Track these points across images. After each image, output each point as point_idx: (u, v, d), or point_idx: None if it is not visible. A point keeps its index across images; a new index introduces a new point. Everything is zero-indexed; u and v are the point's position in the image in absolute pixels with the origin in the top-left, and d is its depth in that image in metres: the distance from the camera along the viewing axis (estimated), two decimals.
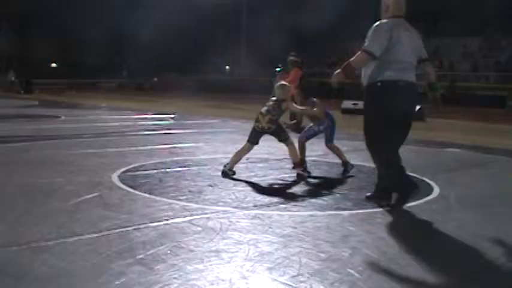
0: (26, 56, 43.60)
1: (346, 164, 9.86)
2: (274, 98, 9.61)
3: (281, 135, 9.45)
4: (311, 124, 10.18)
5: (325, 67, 45.82)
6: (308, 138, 10.23)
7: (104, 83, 51.88)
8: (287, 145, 9.46)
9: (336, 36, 44.00)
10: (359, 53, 7.19)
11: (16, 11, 44.47)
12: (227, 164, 9.33)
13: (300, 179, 9.23)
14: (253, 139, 9.51)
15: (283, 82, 10.16)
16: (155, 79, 53.87)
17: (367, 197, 7.65)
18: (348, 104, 25.93)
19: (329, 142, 9.99)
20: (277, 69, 18.33)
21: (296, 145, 9.67)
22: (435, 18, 40.30)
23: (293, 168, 9.68)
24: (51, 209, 6.59)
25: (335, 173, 9.84)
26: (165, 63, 46.95)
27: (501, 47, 41.05)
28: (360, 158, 10.49)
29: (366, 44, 7.13)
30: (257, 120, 9.46)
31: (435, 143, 14.76)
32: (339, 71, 7.41)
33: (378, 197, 7.52)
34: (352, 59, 7.23)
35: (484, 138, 16.00)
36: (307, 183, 8.86)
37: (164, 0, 43.63)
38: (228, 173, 9.16)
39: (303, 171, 9.46)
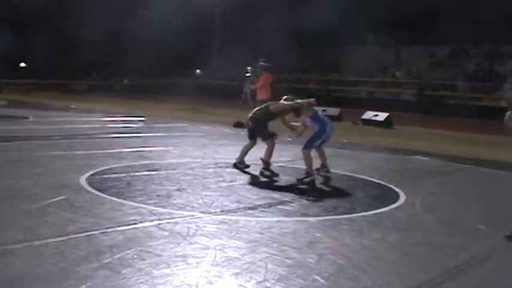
0: None
1: (308, 175, 9.63)
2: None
3: (262, 135, 10.27)
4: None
5: (296, 72, 46.02)
6: (318, 146, 10.19)
7: (74, 84, 51.45)
8: (267, 144, 10.16)
9: (312, 41, 44.22)
10: None
11: None
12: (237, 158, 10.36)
13: (261, 175, 9.86)
14: (248, 134, 10.48)
15: (289, 96, 10.46)
16: (125, 81, 53.59)
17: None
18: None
19: (305, 148, 9.80)
20: (248, 74, 18.43)
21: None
22: (404, 26, 40.72)
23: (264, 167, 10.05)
24: (18, 212, 6.55)
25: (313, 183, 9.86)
26: (137, 65, 46.73)
27: (469, 56, 41.58)
28: (329, 165, 10.55)
29: None
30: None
31: (402, 151, 14.91)
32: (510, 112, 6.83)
33: None
34: None
35: (451, 147, 16.20)
36: (275, 189, 8.89)
37: (139, 3, 43.50)
38: (238, 166, 10.26)
39: (265, 169, 9.95)
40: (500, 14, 33.54)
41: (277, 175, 9.88)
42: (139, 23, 39.49)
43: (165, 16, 37.95)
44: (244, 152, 10.41)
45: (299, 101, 10.11)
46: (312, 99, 10.29)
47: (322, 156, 10.31)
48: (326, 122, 10.16)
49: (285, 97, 10.39)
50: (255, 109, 10.52)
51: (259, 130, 10.23)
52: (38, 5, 43.74)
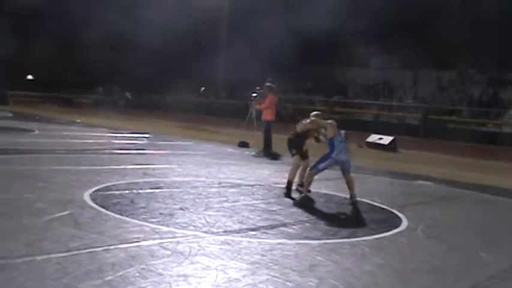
0: (2, 67, 43.33)
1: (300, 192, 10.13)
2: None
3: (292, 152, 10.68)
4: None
5: (301, 93, 46.14)
6: (344, 171, 10.06)
7: (79, 98, 51.60)
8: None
9: (315, 61, 44.41)
10: None
11: None
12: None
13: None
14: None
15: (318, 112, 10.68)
16: (127, 94, 53.61)
17: None
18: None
19: (311, 167, 10.10)
20: (254, 94, 18.48)
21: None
22: (410, 50, 40.90)
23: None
24: (21, 226, 6.57)
25: (306, 201, 9.88)
26: (142, 81, 46.89)
27: (474, 82, 41.68)
28: (332, 187, 10.58)
29: None
30: None
31: (406, 175, 14.92)
32: None
33: None
34: None
35: (454, 172, 16.21)
36: (278, 211, 8.88)
37: (142, 18, 43.73)
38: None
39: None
40: (505, 41, 33.74)
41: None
42: (145, 36, 39.67)
43: (170, 30, 38.11)
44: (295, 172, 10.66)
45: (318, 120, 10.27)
46: (332, 121, 10.28)
47: (347, 184, 10.06)
48: (335, 148, 9.88)
49: (313, 113, 10.51)
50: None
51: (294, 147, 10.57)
52: (43, 16, 44.09)
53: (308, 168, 10.23)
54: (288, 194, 10.20)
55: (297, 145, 10.56)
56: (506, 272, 6.44)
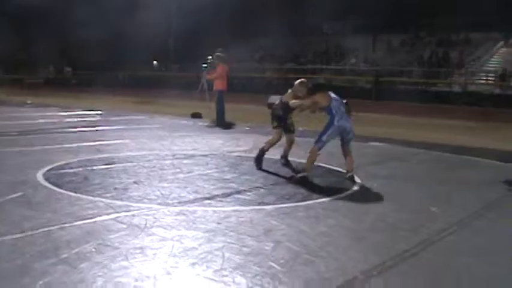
0: None
1: (302, 170, 9.14)
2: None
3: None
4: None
5: (252, 62, 46.12)
6: (345, 143, 9.53)
7: (29, 78, 50.71)
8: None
9: (262, 32, 44.46)
10: None
11: None
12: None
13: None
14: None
15: (304, 80, 10.06)
16: (69, 70, 52.61)
17: None
18: (274, 98, 26.10)
19: (314, 143, 9.30)
20: (204, 65, 18.45)
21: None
22: (360, 14, 41.09)
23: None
24: None
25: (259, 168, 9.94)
26: (93, 58, 46.31)
27: (424, 43, 42.21)
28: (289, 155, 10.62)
29: None
30: None
31: (359, 137, 14.95)
32: None
33: None
34: None
35: (406, 132, 16.48)
36: (232, 179, 8.93)
37: None
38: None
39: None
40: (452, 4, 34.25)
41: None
42: (93, 13, 39.16)
43: (118, 7, 37.68)
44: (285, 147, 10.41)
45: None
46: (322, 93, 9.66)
47: (346, 156, 9.46)
48: (335, 114, 9.29)
49: (298, 81, 9.96)
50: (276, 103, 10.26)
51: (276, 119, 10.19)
52: None
53: (311, 147, 9.32)
54: (257, 162, 10.07)
55: (280, 116, 10.10)
56: (455, 225, 6.61)
